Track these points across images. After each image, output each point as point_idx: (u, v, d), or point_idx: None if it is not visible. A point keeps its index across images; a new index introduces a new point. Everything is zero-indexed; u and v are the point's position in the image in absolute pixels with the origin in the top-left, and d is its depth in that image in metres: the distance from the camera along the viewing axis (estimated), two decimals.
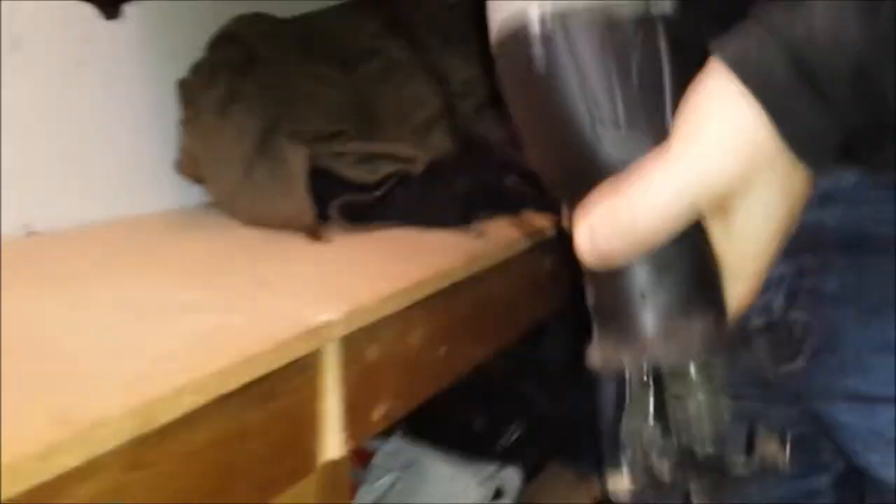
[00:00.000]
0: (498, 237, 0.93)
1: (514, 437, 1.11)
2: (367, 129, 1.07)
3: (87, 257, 0.86)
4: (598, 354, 0.43)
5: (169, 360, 0.55)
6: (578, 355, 0.45)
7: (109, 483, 0.47)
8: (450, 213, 0.98)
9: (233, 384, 0.55)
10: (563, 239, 0.45)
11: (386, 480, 1.03)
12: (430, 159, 1.02)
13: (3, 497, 0.42)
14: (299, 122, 1.04)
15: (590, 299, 0.44)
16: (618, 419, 0.43)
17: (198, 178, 1.08)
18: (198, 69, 1.10)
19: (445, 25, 1.14)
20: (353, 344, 0.66)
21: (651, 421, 0.42)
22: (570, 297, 1.08)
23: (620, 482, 0.43)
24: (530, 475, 1.19)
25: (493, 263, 0.87)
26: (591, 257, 0.42)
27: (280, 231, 0.94)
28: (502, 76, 0.45)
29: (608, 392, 0.70)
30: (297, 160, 0.95)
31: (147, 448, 0.49)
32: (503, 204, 1.05)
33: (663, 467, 0.41)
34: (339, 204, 0.96)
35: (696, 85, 0.40)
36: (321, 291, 0.72)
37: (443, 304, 0.79)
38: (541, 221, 1.02)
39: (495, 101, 1.10)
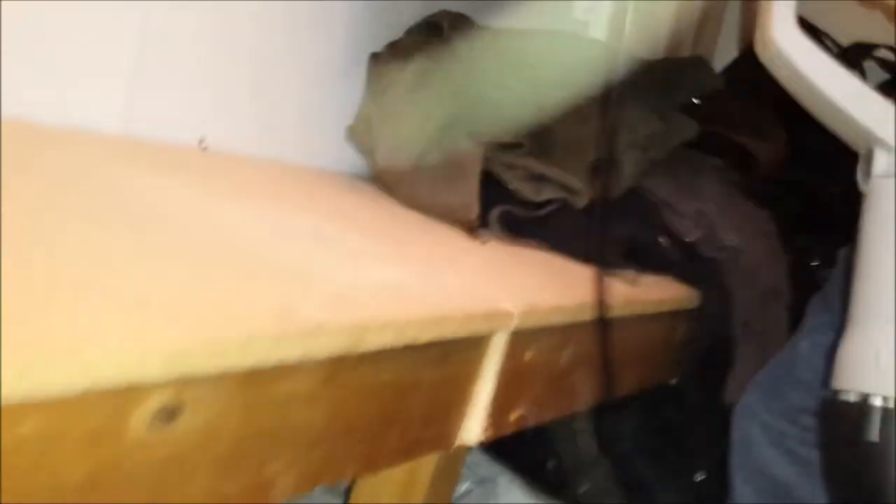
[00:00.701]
0: (649, 289, 0.93)
1: (585, 489, 1.10)
2: (540, 152, 1.08)
3: (271, 185, 0.87)
4: None
5: (374, 295, 0.56)
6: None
7: (305, 389, 0.48)
8: (605, 254, 0.97)
9: (422, 338, 0.55)
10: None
11: (460, 488, 1.02)
12: (593, 197, 1.03)
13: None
14: (480, 123, 1.05)
15: None
16: None
17: (365, 149, 1.10)
18: (394, 47, 1.13)
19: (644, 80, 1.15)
20: (519, 341, 0.66)
21: None
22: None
23: None
24: None
25: (644, 312, 0.87)
26: None
27: (436, 221, 0.95)
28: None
29: None
30: (473, 157, 0.96)
31: (343, 368, 0.50)
32: (652, 261, 1.04)
33: None
34: (501, 211, 0.97)
35: None
36: (498, 283, 0.72)
37: (592, 334, 0.78)
38: (682, 291, 1.02)
39: (670, 163, 1.11)
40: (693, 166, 1.15)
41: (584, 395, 0.83)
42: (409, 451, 0.59)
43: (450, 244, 0.85)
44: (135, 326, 0.39)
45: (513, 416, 0.70)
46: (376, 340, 0.51)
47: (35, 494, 0.36)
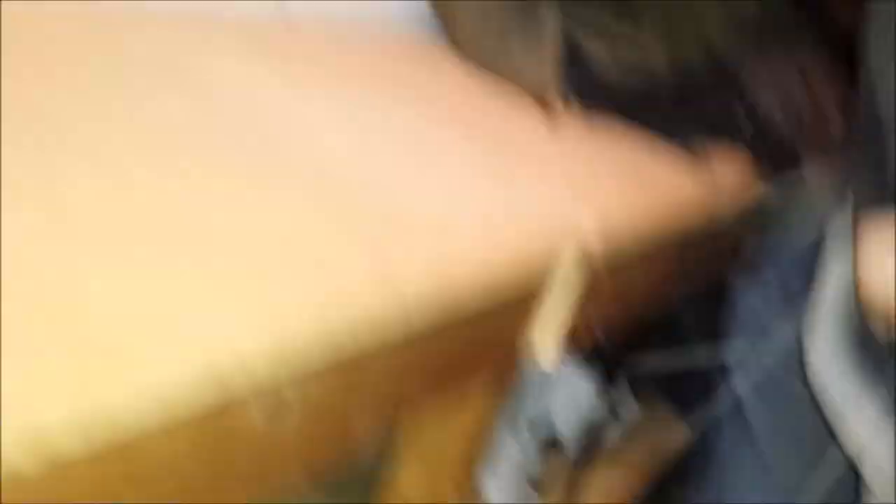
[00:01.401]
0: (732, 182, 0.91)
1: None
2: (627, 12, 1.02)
3: (359, 67, 0.85)
4: None
5: (467, 241, 0.56)
6: None
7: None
8: (693, 135, 0.95)
9: (508, 282, 0.57)
10: None
11: None
12: (677, 67, 0.99)
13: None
14: None
15: None
16: None
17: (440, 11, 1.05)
18: None
19: None
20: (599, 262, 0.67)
21: None
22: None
23: None
24: None
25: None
26: None
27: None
28: None
29: None
30: (552, 28, 0.92)
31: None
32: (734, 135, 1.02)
33: None
34: (580, 85, 0.93)
35: None
36: (579, 195, 0.72)
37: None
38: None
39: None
40: (783, 38, 1.09)
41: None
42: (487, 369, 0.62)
43: (525, 134, 0.83)
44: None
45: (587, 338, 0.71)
46: (469, 305, 0.52)
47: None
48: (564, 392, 0.72)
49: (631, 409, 0.94)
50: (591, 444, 0.85)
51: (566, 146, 0.84)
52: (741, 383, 0.81)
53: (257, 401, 0.39)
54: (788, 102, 1.01)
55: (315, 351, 0.42)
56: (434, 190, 0.63)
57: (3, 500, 0.31)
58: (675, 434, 1.05)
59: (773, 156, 1.02)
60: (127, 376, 0.35)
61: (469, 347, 0.57)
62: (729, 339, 0.86)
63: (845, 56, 1.14)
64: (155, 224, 0.46)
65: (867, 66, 0.64)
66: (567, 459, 0.77)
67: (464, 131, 0.78)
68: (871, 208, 0.61)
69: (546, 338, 0.67)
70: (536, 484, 0.74)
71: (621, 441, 0.91)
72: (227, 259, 0.45)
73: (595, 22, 0.95)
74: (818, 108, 1.01)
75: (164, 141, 0.55)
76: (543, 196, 0.69)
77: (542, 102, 0.89)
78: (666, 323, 0.93)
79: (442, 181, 0.65)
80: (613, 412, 0.90)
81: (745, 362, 0.81)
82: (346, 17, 1.00)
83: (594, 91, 0.93)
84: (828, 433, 0.66)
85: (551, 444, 0.74)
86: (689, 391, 0.95)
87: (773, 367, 0.77)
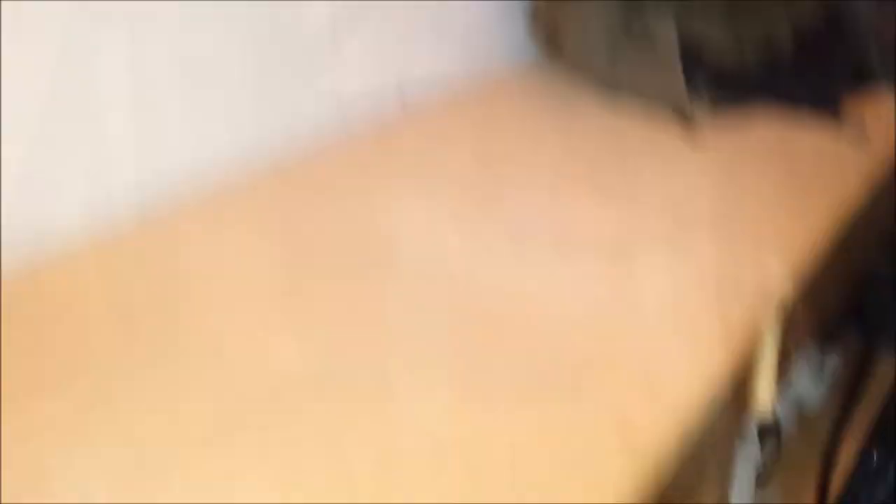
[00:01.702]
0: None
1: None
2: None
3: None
4: None
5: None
6: None
7: None
8: (824, 98, 0.92)
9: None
10: None
11: None
12: (797, 31, 0.95)
13: None
14: None
15: None
16: None
17: (550, 41, 1.03)
18: None
19: None
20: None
21: None
22: None
23: None
24: None
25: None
26: None
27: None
28: None
29: None
30: (667, 41, 0.90)
31: None
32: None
33: None
34: (709, 89, 0.92)
35: None
36: (759, 240, 0.71)
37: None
38: None
39: None
40: None
41: None
42: None
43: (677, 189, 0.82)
44: None
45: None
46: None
47: None
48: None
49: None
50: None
51: (716, 177, 0.82)
52: None
53: None
54: None
55: None
56: (637, 319, 0.62)
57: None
58: None
59: None
60: None
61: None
62: None
63: None
64: None
65: None
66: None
67: (617, 209, 0.77)
68: None
69: (764, 392, 0.68)
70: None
71: None
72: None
73: (712, 10, 0.92)
74: None
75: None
76: (727, 261, 0.69)
77: (681, 119, 0.88)
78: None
79: (639, 302, 0.64)
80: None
81: None
82: (457, 74, 1.00)
83: (723, 82, 0.91)
84: None
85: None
86: None
87: None
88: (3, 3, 0.62)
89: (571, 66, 0.99)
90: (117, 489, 0.44)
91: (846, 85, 0.95)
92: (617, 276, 0.66)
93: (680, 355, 0.57)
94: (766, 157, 0.85)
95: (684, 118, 0.88)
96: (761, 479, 0.76)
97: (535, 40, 1.05)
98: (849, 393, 0.97)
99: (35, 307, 0.58)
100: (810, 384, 0.88)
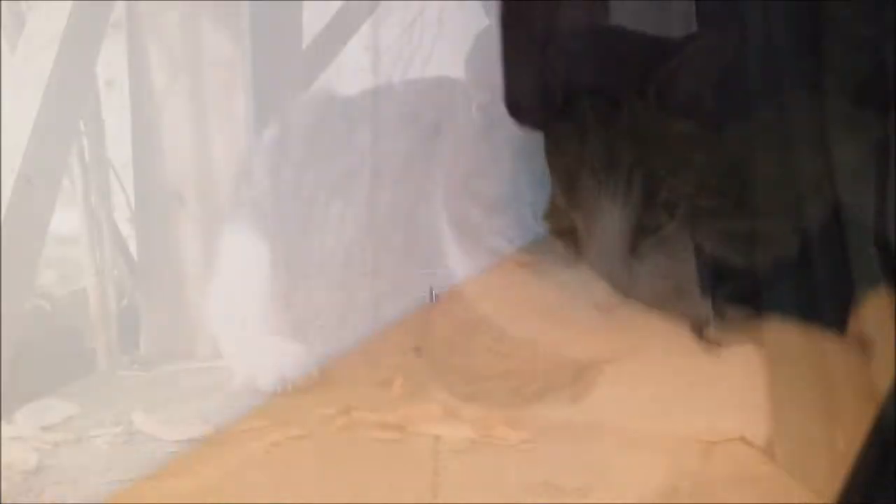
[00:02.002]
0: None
1: None
2: (737, 198, 1.05)
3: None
4: None
5: None
6: None
7: None
8: (833, 308, 0.97)
9: None
10: None
11: None
12: (807, 235, 1.01)
13: None
14: (671, 189, 1.03)
15: None
16: None
17: (561, 230, 1.10)
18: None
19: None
20: None
21: None
22: None
23: None
24: None
25: None
26: None
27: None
28: None
29: None
30: (685, 253, 0.96)
31: None
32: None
33: None
34: (722, 295, 0.97)
35: None
36: None
37: None
38: None
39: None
40: None
41: None
42: None
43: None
44: None
45: None
46: None
47: None
48: None
49: None
50: None
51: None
52: None
53: None
54: None
55: None
56: None
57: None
58: None
59: None
60: None
61: None
62: None
63: None
64: None
65: None
66: None
67: None
68: None
69: None
70: None
71: None
72: None
73: (726, 230, 0.98)
74: None
75: None
76: None
77: (696, 330, 0.93)
78: None
79: None
80: None
81: None
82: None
83: (744, 298, 0.96)
84: None
85: None
86: None
87: None
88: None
89: (589, 266, 1.05)
90: None
91: (850, 290, 1.00)
92: None
93: None
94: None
95: (705, 335, 0.93)
96: None
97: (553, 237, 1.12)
98: None
99: None
100: None
